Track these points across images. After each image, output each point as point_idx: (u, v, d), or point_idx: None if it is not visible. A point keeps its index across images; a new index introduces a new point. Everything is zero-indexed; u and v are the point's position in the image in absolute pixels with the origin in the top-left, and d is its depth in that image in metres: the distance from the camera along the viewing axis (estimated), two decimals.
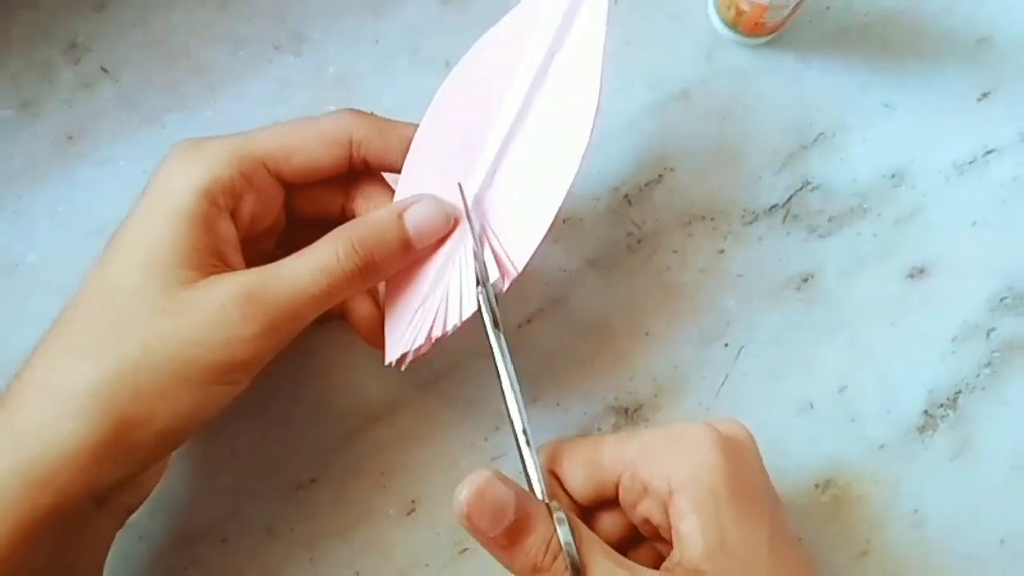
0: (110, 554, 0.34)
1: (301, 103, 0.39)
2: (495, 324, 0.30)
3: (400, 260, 0.30)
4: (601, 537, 0.29)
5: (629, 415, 0.36)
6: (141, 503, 0.31)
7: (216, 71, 0.39)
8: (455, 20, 0.41)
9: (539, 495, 0.28)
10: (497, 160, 0.32)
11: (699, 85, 0.40)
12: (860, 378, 0.37)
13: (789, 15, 0.38)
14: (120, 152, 0.38)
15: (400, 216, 0.30)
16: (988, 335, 0.38)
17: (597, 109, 0.31)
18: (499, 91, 0.32)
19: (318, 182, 0.32)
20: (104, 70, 0.39)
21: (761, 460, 0.30)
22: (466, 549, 0.35)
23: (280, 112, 0.39)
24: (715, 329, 0.37)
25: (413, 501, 0.35)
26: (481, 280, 0.30)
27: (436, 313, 0.31)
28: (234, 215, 0.29)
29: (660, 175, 0.39)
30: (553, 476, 0.30)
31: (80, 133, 0.39)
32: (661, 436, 0.29)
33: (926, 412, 0.37)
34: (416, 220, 0.30)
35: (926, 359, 0.38)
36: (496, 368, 0.29)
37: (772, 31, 0.39)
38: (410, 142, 0.32)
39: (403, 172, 0.32)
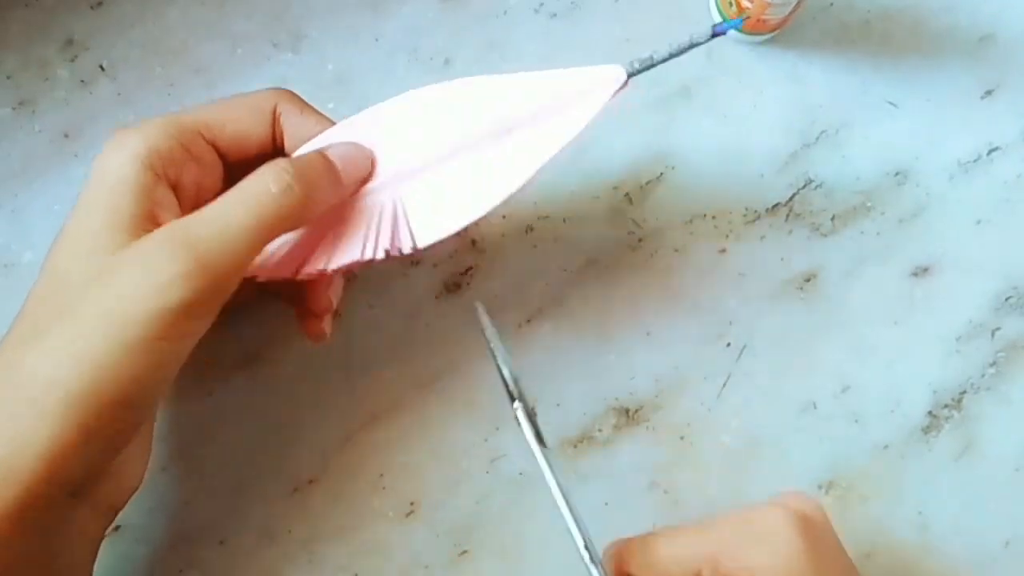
0: (109, 555, 0.34)
1: None
2: (540, 441, 0.29)
3: (330, 189, 0.30)
4: None
5: (630, 415, 0.36)
6: (126, 499, 0.30)
7: (214, 69, 0.39)
8: (455, 18, 0.40)
9: None
10: (447, 155, 0.32)
11: (700, 83, 0.40)
12: (863, 378, 0.37)
13: (791, 12, 0.38)
14: None
15: (321, 151, 0.30)
16: (992, 335, 0.38)
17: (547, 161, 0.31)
18: (471, 112, 0.32)
19: (253, 158, 0.31)
20: (101, 68, 0.39)
21: (836, 536, 0.29)
22: (466, 551, 0.35)
23: None
24: (717, 329, 0.37)
25: (412, 503, 0.35)
26: (518, 397, 0.30)
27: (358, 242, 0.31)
28: (178, 186, 0.29)
29: (661, 173, 0.39)
30: None
31: (77, 131, 0.38)
32: (738, 525, 0.29)
33: (930, 412, 0.37)
34: (339, 154, 0.30)
35: (930, 359, 0.37)
36: (550, 489, 0.29)
37: (774, 28, 0.39)
38: (320, 130, 0.32)
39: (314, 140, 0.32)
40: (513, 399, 0.30)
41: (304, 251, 0.31)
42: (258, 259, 0.29)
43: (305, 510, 0.35)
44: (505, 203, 0.31)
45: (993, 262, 0.38)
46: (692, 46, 0.31)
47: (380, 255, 0.31)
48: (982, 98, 0.40)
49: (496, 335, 0.31)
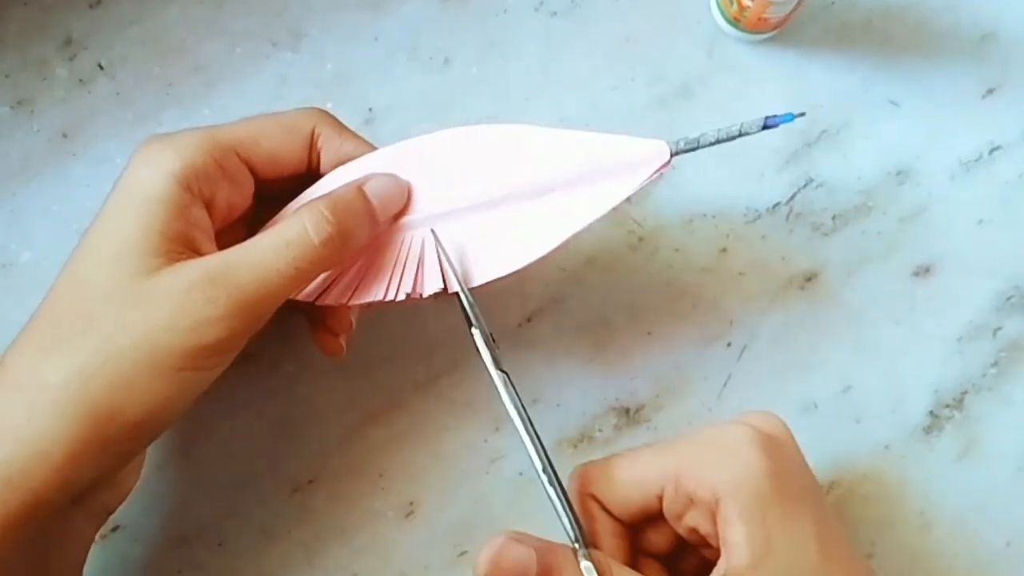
0: (108, 555, 0.34)
1: (299, 100, 0.39)
2: (497, 366, 0.29)
3: (368, 231, 0.30)
4: (650, 551, 0.28)
5: (630, 415, 0.36)
6: (120, 503, 0.30)
7: (213, 68, 0.39)
8: (454, 17, 0.40)
9: (569, 533, 0.27)
10: (477, 204, 0.32)
11: (701, 81, 0.40)
12: (865, 378, 0.37)
13: (792, 11, 0.37)
14: (116, 150, 0.38)
15: (360, 188, 0.30)
16: (994, 334, 0.37)
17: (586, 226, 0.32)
18: (517, 162, 0.32)
19: (285, 180, 0.31)
20: (100, 67, 0.39)
21: (801, 453, 0.29)
22: (465, 552, 0.35)
23: (278, 109, 0.39)
24: (717, 328, 0.37)
25: (411, 503, 0.35)
26: (474, 323, 0.30)
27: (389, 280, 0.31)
28: (211, 205, 0.29)
29: (661, 172, 0.39)
30: (593, 499, 0.30)
31: (75, 130, 0.38)
32: (701, 442, 0.28)
33: (932, 412, 0.37)
34: (376, 190, 0.30)
35: (932, 359, 0.37)
36: (507, 410, 0.29)
37: (775, 27, 0.39)
38: (358, 154, 0.32)
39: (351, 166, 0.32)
40: (470, 324, 0.30)
41: (327, 281, 0.31)
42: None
43: (305, 511, 0.35)
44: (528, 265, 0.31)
45: (994, 262, 0.38)
46: (741, 135, 0.31)
47: (401, 297, 0.31)
48: (983, 97, 0.40)
49: (451, 261, 0.31)
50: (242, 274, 0.27)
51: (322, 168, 0.32)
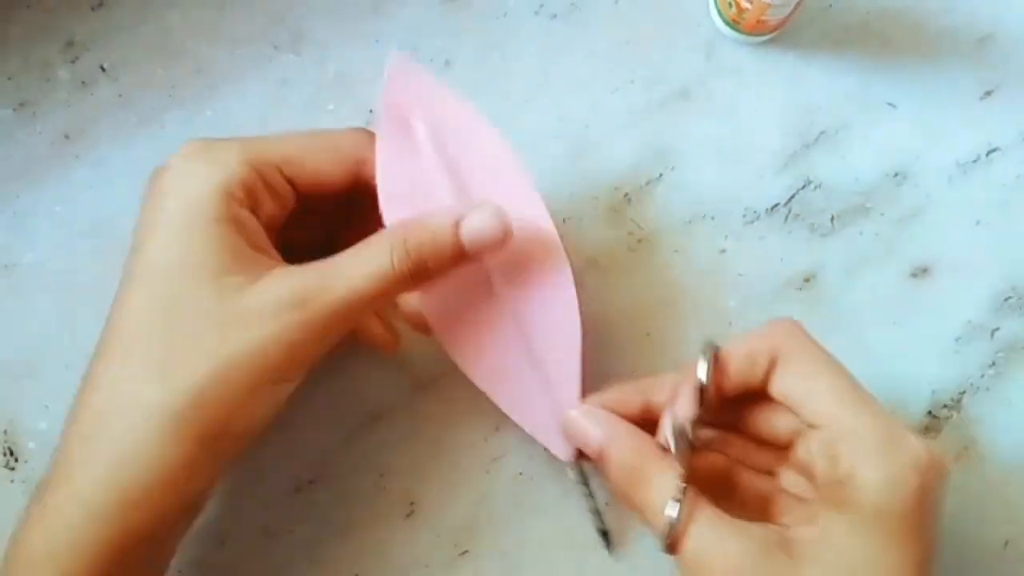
0: None
1: (300, 102, 0.39)
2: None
3: (450, 267, 0.30)
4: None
5: None
6: (206, 504, 0.31)
7: (215, 70, 0.39)
8: (455, 19, 0.40)
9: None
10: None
11: (700, 83, 0.40)
12: (863, 378, 0.37)
13: (790, 13, 0.38)
14: (118, 152, 0.38)
15: (457, 224, 0.29)
16: (992, 335, 0.38)
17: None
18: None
19: (329, 194, 0.31)
20: (102, 69, 0.39)
21: (940, 511, 0.29)
22: (466, 551, 0.35)
23: (280, 111, 0.39)
24: (716, 329, 0.37)
25: (413, 503, 0.35)
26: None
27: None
28: (255, 215, 0.29)
29: (661, 174, 0.39)
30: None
31: (78, 133, 0.38)
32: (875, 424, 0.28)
33: (930, 413, 0.37)
34: (472, 231, 0.29)
35: (929, 359, 0.37)
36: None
37: (773, 29, 0.39)
38: None
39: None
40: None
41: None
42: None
43: (306, 510, 0.35)
44: None
45: (992, 263, 0.38)
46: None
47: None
48: (981, 99, 0.40)
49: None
50: (335, 298, 0.27)
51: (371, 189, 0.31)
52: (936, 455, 0.28)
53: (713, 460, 0.31)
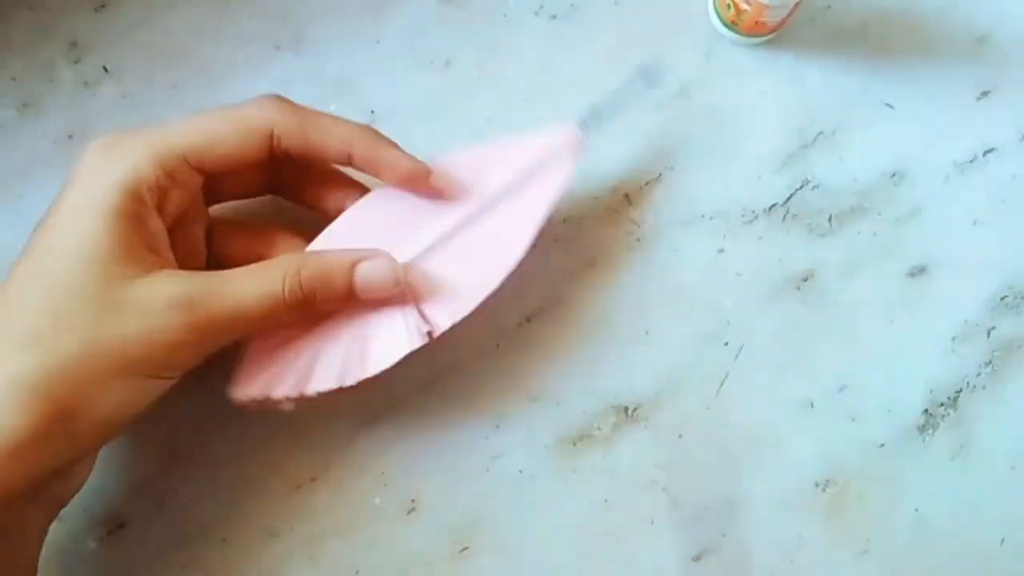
0: (111, 553, 0.34)
1: (301, 102, 0.39)
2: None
3: (339, 306, 0.31)
4: None
5: (629, 414, 0.36)
6: (73, 495, 0.31)
7: (217, 70, 0.40)
8: (455, 20, 0.41)
9: None
10: (442, 240, 0.33)
11: (698, 84, 0.40)
12: (860, 377, 0.37)
13: (789, 14, 0.38)
14: None
15: (353, 267, 0.30)
16: (988, 334, 0.38)
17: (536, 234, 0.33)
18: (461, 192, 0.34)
19: (242, 171, 0.32)
20: (105, 69, 0.39)
21: None
22: (466, 548, 0.35)
23: None
24: (715, 328, 0.37)
25: (413, 500, 0.35)
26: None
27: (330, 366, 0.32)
28: (160, 211, 0.30)
29: (660, 174, 0.39)
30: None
31: (81, 133, 0.39)
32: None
33: (926, 411, 0.37)
34: (366, 277, 0.31)
35: (926, 358, 0.38)
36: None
37: (772, 30, 0.39)
38: (330, 135, 0.31)
39: (337, 221, 0.33)
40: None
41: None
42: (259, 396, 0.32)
43: (307, 508, 0.35)
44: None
45: (989, 262, 0.38)
46: (634, 90, 0.34)
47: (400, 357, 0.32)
48: (978, 99, 0.40)
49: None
50: (221, 309, 0.28)
51: (293, 157, 0.32)
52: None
53: None
